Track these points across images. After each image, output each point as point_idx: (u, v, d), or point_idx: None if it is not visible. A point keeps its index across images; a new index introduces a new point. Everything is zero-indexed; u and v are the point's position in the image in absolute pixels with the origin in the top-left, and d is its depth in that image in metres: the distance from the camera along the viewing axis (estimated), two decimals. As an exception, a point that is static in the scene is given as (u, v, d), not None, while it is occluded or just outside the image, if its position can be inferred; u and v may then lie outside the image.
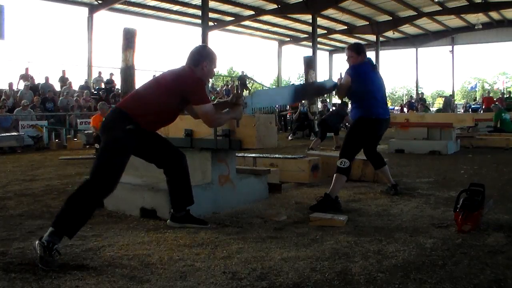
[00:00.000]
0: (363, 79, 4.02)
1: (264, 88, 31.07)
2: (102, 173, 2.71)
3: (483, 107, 20.83)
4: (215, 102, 3.51)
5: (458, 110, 25.89)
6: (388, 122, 4.23)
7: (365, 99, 4.02)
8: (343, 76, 4.21)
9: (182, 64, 3.13)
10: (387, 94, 4.80)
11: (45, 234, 2.51)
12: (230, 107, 3.33)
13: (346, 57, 4.17)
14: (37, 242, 2.47)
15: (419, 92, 29.98)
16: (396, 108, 34.62)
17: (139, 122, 2.87)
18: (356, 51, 4.10)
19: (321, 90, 4.68)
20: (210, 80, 21.23)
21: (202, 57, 3.07)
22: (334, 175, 3.95)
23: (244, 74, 23.79)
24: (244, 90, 22.89)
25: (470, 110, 24.69)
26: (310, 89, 5.02)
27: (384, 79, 4.29)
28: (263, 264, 2.45)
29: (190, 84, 2.98)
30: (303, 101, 14.27)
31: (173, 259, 2.56)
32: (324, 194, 3.85)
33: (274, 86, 35.73)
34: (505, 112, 11.88)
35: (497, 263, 2.42)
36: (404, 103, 27.31)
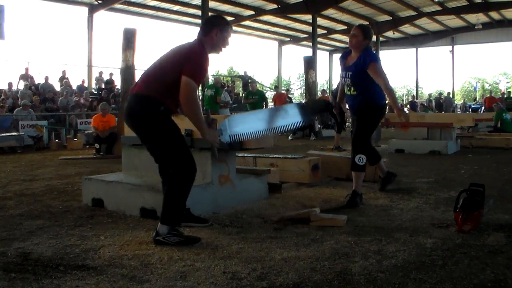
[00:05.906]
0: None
1: (264, 88, 31.10)
2: (177, 159, 2.82)
3: (485, 106, 20.77)
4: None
5: (457, 110, 25.85)
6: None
7: (375, 85, 3.94)
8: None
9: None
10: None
11: (157, 229, 2.84)
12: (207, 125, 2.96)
13: (350, 35, 3.97)
14: (155, 239, 2.82)
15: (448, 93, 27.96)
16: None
17: (167, 104, 2.84)
18: (363, 35, 3.91)
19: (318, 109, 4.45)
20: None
21: (213, 25, 2.99)
22: (353, 173, 4.03)
23: (246, 74, 23.83)
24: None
25: (470, 110, 24.68)
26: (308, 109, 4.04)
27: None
28: (263, 264, 2.45)
29: (190, 52, 2.86)
30: (303, 101, 14.18)
31: (173, 259, 2.56)
32: (352, 191, 3.97)
33: (274, 85, 35.60)
34: (506, 112, 11.85)
35: (497, 263, 2.42)
36: (405, 103, 27.18)
